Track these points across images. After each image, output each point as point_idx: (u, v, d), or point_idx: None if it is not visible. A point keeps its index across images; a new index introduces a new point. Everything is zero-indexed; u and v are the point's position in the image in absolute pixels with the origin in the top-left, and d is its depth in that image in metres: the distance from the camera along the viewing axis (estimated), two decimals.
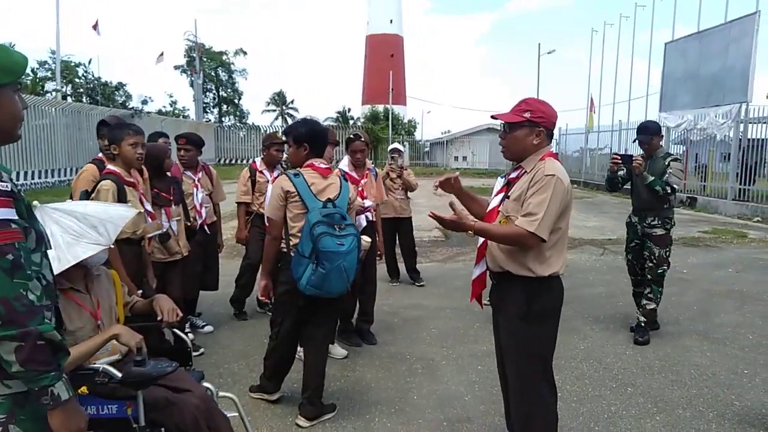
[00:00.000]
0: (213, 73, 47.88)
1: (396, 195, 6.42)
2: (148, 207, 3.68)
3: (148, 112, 31.29)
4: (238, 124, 45.82)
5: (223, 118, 49.02)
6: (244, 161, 30.55)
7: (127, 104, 37.13)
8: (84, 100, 36.50)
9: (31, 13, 79.48)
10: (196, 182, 4.82)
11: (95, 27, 23.74)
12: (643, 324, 4.83)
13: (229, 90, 50.14)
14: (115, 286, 2.57)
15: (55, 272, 2.06)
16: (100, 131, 4.11)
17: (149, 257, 3.83)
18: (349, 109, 46.85)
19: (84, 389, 2.10)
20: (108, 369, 2.12)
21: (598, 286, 6.80)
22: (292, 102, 54.40)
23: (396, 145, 6.83)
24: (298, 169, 3.29)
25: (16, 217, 1.41)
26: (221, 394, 2.70)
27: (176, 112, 43.81)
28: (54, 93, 25.71)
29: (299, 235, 3.12)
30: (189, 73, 43.17)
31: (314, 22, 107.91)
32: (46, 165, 17.34)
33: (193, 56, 40.22)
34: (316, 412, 3.35)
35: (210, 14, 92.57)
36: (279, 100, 53.83)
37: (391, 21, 47.10)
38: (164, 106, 43.35)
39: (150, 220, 3.72)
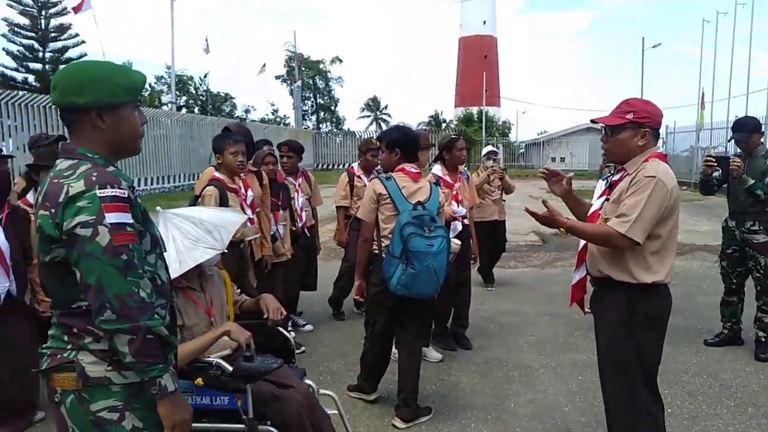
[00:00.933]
0: (311, 82, 49.71)
1: (492, 197, 6.34)
2: (249, 212, 3.89)
3: (252, 120, 33.04)
4: (334, 130, 47.23)
5: (320, 125, 50.74)
6: (341, 166, 31.38)
7: (233, 114, 39.39)
8: (196, 111, 39.18)
9: (149, 32, 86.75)
10: (297, 187, 5.04)
11: (206, 48, 25.39)
12: (763, 339, 4.43)
13: (326, 97, 51.83)
14: (225, 285, 2.76)
15: (177, 274, 2.25)
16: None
17: (250, 259, 4.03)
18: (442, 112, 46.81)
19: (200, 381, 2.27)
20: (220, 363, 2.28)
21: (713, 295, 6.27)
22: (386, 107, 55.28)
23: (491, 147, 6.75)
24: (390, 173, 3.36)
25: (131, 221, 1.55)
26: (322, 391, 2.80)
27: (277, 119, 45.90)
28: (169, 105, 27.82)
29: (390, 236, 3.19)
30: (289, 82, 45.06)
31: (406, 28, 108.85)
32: (162, 172, 18.79)
33: (292, 66, 42.01)
34: (411, 414, 3.38)
35: (308, 24, 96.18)
36: (373, 105, 54.83)
37: (484, 22, 46.46)
38: (266, 115, 45.64)
39: (250, 225, 3.93)
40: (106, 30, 73.66)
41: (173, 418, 1.60)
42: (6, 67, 29.30)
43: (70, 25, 28.94)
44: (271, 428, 2.30)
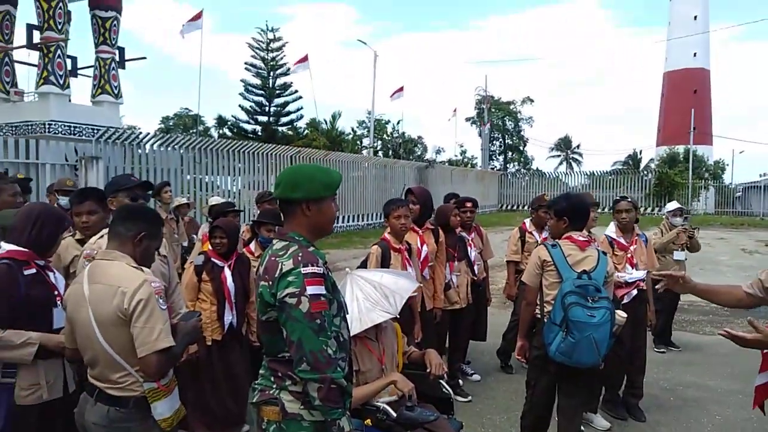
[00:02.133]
0: (500, 123, 50.10)
1: (673, 257, 5.97)
2: (410, 269, 4.24)
3: (442, 162, 34.33)
4: (522, 170, 46.80)
5: (507, 165, 50.64)
6: (526, 207, 30.95)
7: (423, 156, 41.36)
8: (390, 154, 42.03)
9: (354, 82, 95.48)
10: (470, 242, 5.35)
11: (396, 95, 27.39)
12: None
13: (514, 137, 51.70)
14: (397, 336, 3.16)
15: (357, 331, 2.70)
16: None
17: (417, 314, 4.36)
18: (641, 152, 43.60)
19: (368, 421, 2.67)
20: (386, 408, 2.66)
21: None
22: (577, 147, 53.25)
23: (676, 203, 6.37)
24: (556, 240, 3.49)
25: (325, 292, 1.99)
26: None
27: (465, 160, 47.03)
28: (368, 149, 30.35)
29: (552, 302, 3.29)
30: (478, 123, 46.06)
31: (602, 65, 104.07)
32: (358, 210, 20.52)
33: (482, 108, 42.94)
34: None
35: (500, 67, 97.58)
36: (564, 145, 53.19)
37: (695, 54, 42.55)
38: (455, 155, 47.02)
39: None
40: (319, 84, 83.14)
41: None
42: (239, 120, 34.83)
43: (291, 83, 33.54)
44: None
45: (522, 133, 51.57)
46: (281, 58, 33.66)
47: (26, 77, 13.80)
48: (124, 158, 12.22)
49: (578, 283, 3.21)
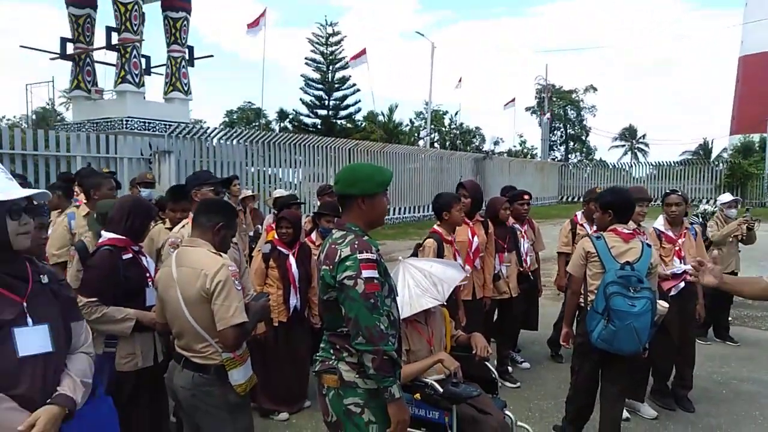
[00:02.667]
0: (561, 112, 48.94)
1: (728, 249, 5.91)
2: (459, 260, 4.44)
3: (500, 153, 34.03)
4: (584, 161, 45.59)
5: (569, 155, 49.45)
6: None
7: (481, 147, 41.08)
8: (447, 145, 41.97)
9: (411, 74, 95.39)
10: (523, 233, 5.51)
11: (458, 85, 27.39)
12: None
13: (576, 127, 50.40)
14: (445, 321, 3.41)
15: (407, 315, 2.97)
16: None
17: (460, 300, 4.51)
18: (712, 141, 41.59)
19: (418, 395, 2.94)
20: (434, 384, 2.92)
21: None
22: (643, 136, 51.28)
23: (730, 195, 6.34)
24: (601, 232, 3.63)
25: (378, 276, 2.26)
26: (519, 423, 3.25)
27: (524, 150, 46.29)
28: (424, 140, 30.50)
29: (596, 292, 3.45)
30: (538, 113, 45.21)
31: (670, 51, 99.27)
32: (414, 202, 20.77)
33: (542, 97, 42.12)
34: None
35: (561, 55, 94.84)
36: (628, 134, 51.35)
37: None
38: (514, 146, 46.38)
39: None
40: (377, 76, 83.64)
41: (397, 417, 2.27)
42: (300, 114, 35.70)
43: (350, 76, 34.06)
44: None
45: (584, 122, 50.25)
46: (340, 52, 34.28)
47: (104, 76, 14.77)
48: (193, 152, 12.97)
49: (620, 274, 3.35)
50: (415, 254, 4.39)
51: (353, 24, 78.70)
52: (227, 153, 14.01)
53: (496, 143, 47.68)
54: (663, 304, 3.47)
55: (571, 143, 51.02)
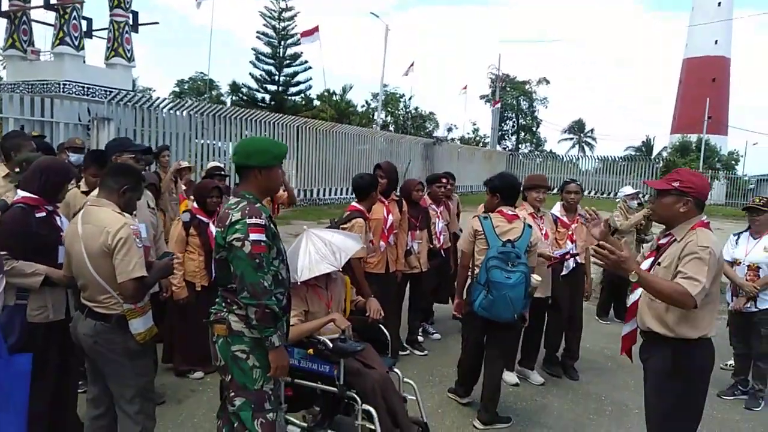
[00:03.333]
0: (514, 102, 49.92)
1: (629, 237, 6.49)
2: (370, 235, 4.76)
3: (452, 139, 34.53)
4: (535, 151, 46.82)
5: (519, 145, 50.64)
6: None
7: (433, 132, 41.54)
8: (400, 129, 42.20)
9: (366, 54, 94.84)
10: (438, 214, 5.87)
11: (407, 72, 27.69)
12: None
13: (528, 118, 51.55)
14: (345, 287, 3.72)
15: (306, 278, 3.25)
16: None
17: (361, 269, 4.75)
18: (653, 139, 43.46)
19: (311, 351, 3.23)
20: (325, 340, 3.21)
21: None
22: (591, 131, 53.01)
23: (631, 188, 7.00)
24: (488, 213, 4.01)
25: (264, 239, 2.52)
26: (405, 380, 3.61)
27: (477, 138, 47.07)
28: (376, 122, 30.71)
29: (480, 266, 3.83)
30: (491, 102, 45.99)
31: (621, 49, 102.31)
32: None
33: (495, 86, 42.91)
34: (489, 419, 3.99)
35: (514, 45, 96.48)
36: (577, 128, 53.00)
37: (716, 42, 41.94)
38: (467, 133, 47.09)
39: (371, 245, 4.77)
40: (329, 54, 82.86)
41: (276, 363, 2.58)
42: (250, 88, 35.08)
43: (301, 53, 33.64)
44: (354, 395, 3.18)
45: (536, 114, 51.45)
46: (293, 28, 33.72)
47: (43, 37, 14.26)
48: (134, 120, 12.79)
49: (501, 250, 3.74)
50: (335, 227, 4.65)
51: (307, 1, 77.35)
52: (172, 123, 13.87)
53: (449, 129, 48.15)
54: (536, 278, 3.87)
55: (522, 134, 52.21)
